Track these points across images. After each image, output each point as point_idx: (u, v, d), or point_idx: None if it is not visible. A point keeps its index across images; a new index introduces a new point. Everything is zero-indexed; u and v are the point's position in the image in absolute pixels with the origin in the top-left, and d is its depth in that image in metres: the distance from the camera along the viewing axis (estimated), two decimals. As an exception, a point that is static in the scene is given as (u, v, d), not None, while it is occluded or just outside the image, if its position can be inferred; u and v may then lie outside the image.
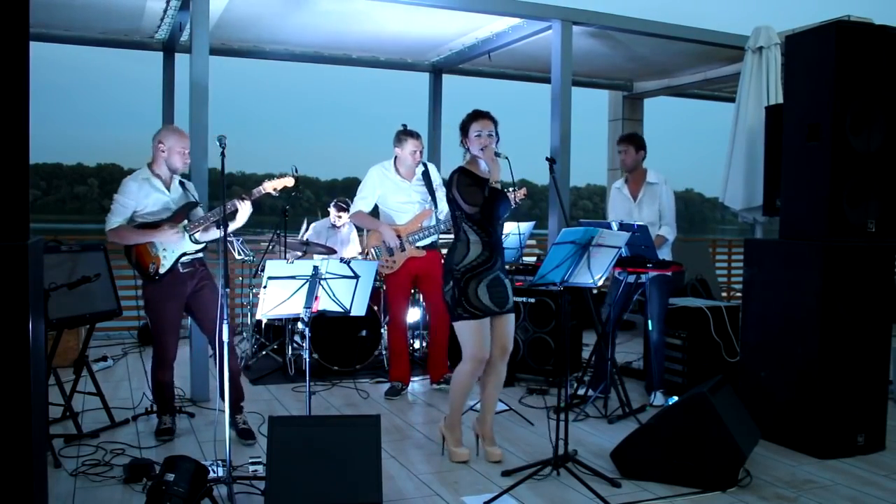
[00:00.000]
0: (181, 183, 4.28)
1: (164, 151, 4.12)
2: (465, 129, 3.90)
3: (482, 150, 3.81)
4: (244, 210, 4.13)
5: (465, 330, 3.77)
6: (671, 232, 5.12)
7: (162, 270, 4.09)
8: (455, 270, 3.79)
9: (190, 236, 4.12)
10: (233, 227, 4.26)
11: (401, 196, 5.22)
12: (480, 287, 3.75)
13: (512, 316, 3.94)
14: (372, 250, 5.27)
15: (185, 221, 4.13)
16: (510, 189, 5.17)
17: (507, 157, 3.79)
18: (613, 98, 10.06)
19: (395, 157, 5.24)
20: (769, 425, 4.19)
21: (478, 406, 4.86)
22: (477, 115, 3.89)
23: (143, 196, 4.11)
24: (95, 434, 4.19)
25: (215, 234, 4.24)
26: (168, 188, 4.19)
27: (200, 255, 4.25)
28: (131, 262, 4.14)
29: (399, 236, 5.16)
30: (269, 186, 4.14)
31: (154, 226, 4.09)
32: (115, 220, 4.07)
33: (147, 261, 4.09)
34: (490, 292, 3.77)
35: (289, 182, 4.22)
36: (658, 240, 5.02)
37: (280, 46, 7.52)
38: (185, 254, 4.13)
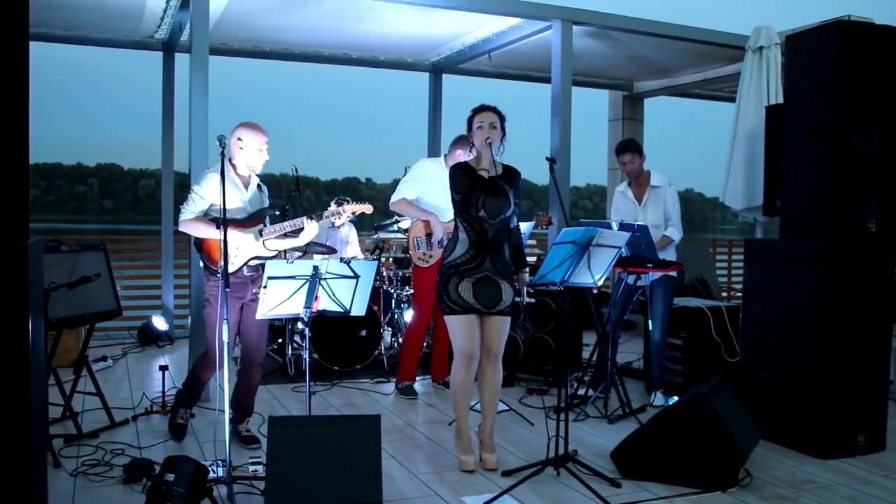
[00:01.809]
0: (258, 186, 4.17)
1: (242, 148, 4.00)
2: (469, 123, 3.87)
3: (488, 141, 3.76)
4: (309, 230, 4.07)
5: (451, 325, 3.78)
6: (677, 233, 5.11)
7: (231, 269, 3.99)
8: (442, 266, 3.83)
9: (264, 242, 4.04)
10: (294, 244, 4.18)
11: (448, 195, 5.19)
12: (462, 284, 3.73)
13: (503, 319, 3.82)
14: (415, 239, 5.25)
15: (261, 226, 4.05)
16: (540, 214, 5.17)
17: (489, 144, 3.75)
18: (613, 98, 10.05)
19: (447, 156, 5.18)
20: (769, 425, 4.19)
21: (479, 406, 4.87)
22: (480, 109, 3.86)
23: (225, 189, 3.97)
24: (95, 434, 4.18)
25: (289, 243, 4.18)
26: (246, 188, 4.08)
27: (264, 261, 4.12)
28: (202, 254, 4.06)
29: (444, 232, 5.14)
30: (349, 209, 4.15)
31: (230, 224, 3.93)
32: (191, 210, 3.98)
33: (217, 256, 3.97)
34: (475, 289, 3.72)
35: (367, 209, 4.26)
36: (664, 240, 5.02)
37: (280, 46, 7.52)
38: (256, 257, 4.03)
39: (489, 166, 3.74)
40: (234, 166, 4.05)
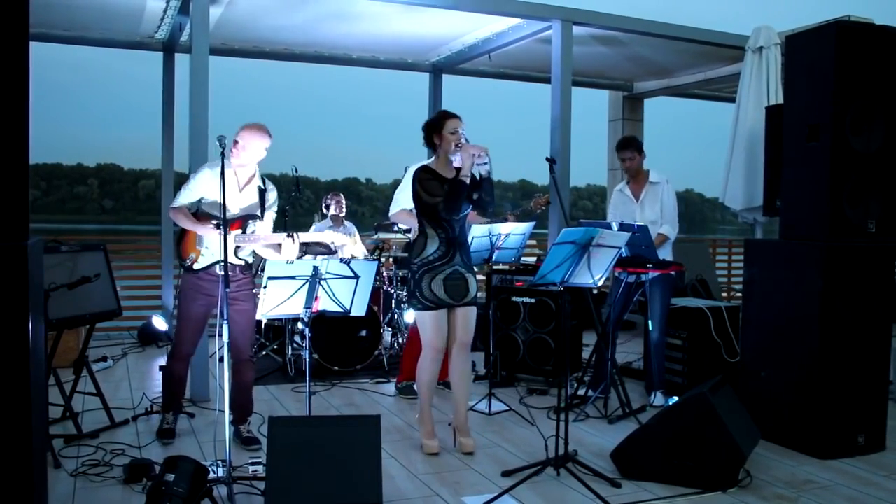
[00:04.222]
0: (262, 191, 4.09)
1: (244, 148, 3.95)
2: (438, 128, 4.00)
3: (457, 146, 3.93)
4: (287, 248, 3.94)
5: (421, 320, 4.00)
6: (672, 230, 5.11)
7: (197, 266, 4.02)
8: (413, 264, 4.00)
9: (236, 248, 3.98)
10: (272, 256, 4.01)
11: None
12: (435, 281, 3.93)
13: (471, 309, 4.05)
14: None
15: (240, 231, 4.00)
16: (537, 195, 5.20)
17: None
18: (613, 98, 10.06)
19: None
20: (769, 425, 4.19)
21: (480, 406, 4.87)
22: (449, 115, 4.03)
23: (213, 186, 3.95)
24: (95, 434, 4.18)
25: (267, 254, 4.09)
26: (241, 188, 4.04)
27: (243, 262, 4.09)
28: (177, 245, 4.11)
29: None
30: (328, 238, 4.14)
31: (209, 218, 3.96)
32: (180, 199, 4.03)
33: (188, 250, 4.03)
34: (445, 285, 3.95)
35: (351, 248, 4.40)
36: (660, 238, 5.01)
37: (280, 46, 7.52)
38: (224, 261, 3.93)
39: (468, 172, 3.90)
40: (231, 162, 3.98)
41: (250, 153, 3.98)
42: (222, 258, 3.42)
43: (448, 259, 3.95)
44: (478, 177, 3.95)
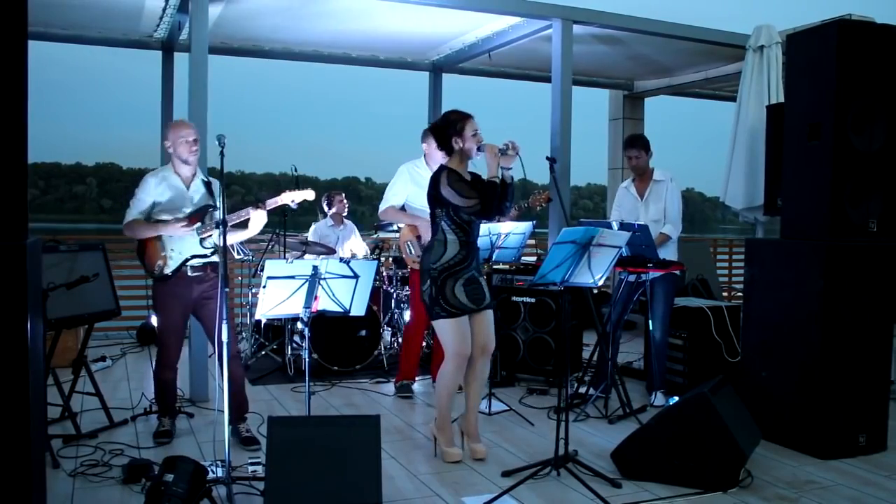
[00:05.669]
0: (207, 184, 4.16)
1: (170, 148, 4.10)
2: (458, 131, 3.85)
3: (479, 147, 3.84)
4: (257, 219, 4.07)
5: (445, 328, 3.83)
6: (674, 230, 5.10)
7: (167, 270, 4.04)
8: (432, 270, 3.83)
9: (201, 240, 4.06)
10: (245, 235, 4.22)
11: None
12: (457, 286, 3.81)
13: (490, 313, 3.96)
14: (405, 244, 5.25)
15: (199, 224, 4.06)
16: (537, 192, 5.20)
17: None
18: (614, 97, 10.05)
19: (426, 156, 5.19)
20: (770, 425, 4.18)
21: (480, 406, 4.86)
22: (466, 116, 3.90)
23: (160, 192, 4.06)
24: (94, 434, 4.17)
25: (238, 236, 4.26)
26: (188, 187, 4.12)
27: (214, 259, 4.14)
28: (141, 258, 4.11)
29: None
30: (288, 198, 4.09)
31: (167, 223, 4.04)
32: (131, 213, 4.05)
33: (154, 259, 4.05)
34: (466, 290, 3.82)
35: (309, 195, 4.19)
36: (661, 237, 5.00)
37: (280, 45, 7.51)
38: (194, 256, 4.06)
39: (496, 172, 3.80)
40: (173, 166, 4.13)
41: (181, 148, 4.06)
42: (221, 257, 3.42)
43: (467, 263, 3.84)
44: (498, 178, 3.82)
